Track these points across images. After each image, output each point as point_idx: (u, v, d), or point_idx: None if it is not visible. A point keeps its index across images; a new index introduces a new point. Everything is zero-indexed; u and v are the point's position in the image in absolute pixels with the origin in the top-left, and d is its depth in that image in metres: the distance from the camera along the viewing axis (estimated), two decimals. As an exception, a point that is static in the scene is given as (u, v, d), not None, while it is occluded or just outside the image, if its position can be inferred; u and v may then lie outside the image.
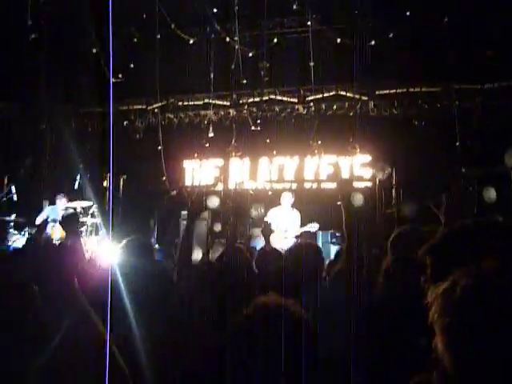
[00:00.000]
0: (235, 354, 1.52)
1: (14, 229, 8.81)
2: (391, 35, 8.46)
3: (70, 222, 3.20)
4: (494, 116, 8.26)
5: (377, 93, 10.30)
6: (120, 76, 8.91)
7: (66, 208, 9.44)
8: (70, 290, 2.36)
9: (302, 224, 8.93)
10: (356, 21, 8.85)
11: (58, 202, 9.34)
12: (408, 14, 8.26)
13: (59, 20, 8.41)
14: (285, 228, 8.81)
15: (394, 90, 10.16)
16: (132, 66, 9.43)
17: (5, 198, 8.92)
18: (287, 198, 9.06)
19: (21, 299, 2.15)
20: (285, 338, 1.45)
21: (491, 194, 8.59)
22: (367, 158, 10.45)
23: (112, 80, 8.92)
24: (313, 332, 1.55)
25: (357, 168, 10.53)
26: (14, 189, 8.95)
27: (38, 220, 9.20)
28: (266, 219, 9.05)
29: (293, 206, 9.11)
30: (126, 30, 9.31)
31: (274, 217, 9.00)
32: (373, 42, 8.49)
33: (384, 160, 10.02)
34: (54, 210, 9.35)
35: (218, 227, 10.93)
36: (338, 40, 8.32)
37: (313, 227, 8.86)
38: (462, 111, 9.37)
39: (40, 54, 8.92)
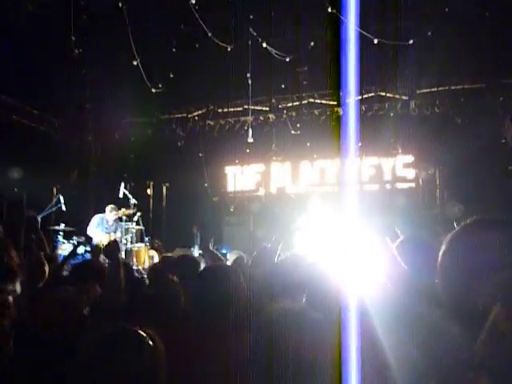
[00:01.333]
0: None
1: (63, 238, 9.07)
2: (430, 33, 8.31)
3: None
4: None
5: (417, 92, 10.15)
6: (160, 86, 9.07)
7: (115, 219, 9.61)
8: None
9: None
10: (393, 20, 8.74)
11: (107, 211, 9.52)
12: (446, 10, 8.10)
13: (101, 34, 8.64)
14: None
15: (435, 89, 9.99)
16: (172, 75, 9.57)
17: (54, 208, 9.20)
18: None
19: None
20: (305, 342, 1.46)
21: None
22: (410, 158, 10.30)
23: (153, 90, 9.10)
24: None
25: (399, 169, 10.40)
26: (62, 199, 9.23)
27: (90, 230, 9.44)
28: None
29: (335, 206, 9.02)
30: (165, 40, 9.46)
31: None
32: (411, 41, 8.35)
33: (427, 160, 9.86)
34: (104, 220, 9.54)
35: (260, 232, 10.97)
36: (376, 41, 8.22)
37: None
38: (506, 107, 9.11)
39: (83, 68, 9.19)
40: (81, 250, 7.12)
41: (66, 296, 2.44)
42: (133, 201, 9.76)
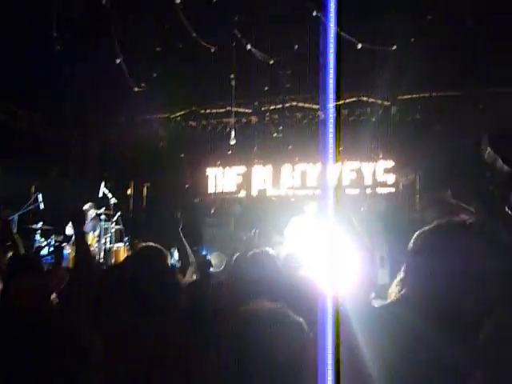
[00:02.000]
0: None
1: (41, 236, 8.97)
2: (412, 39, 8.40)
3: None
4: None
5: (399, 98, 10.23)
6: (142, 85, 9.01)
7: (94, 216, 9.56)
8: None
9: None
10: (377, 25, 8.81)
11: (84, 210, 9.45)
12: (430, 17, 8.19)
13: (84, 31, 8.56)
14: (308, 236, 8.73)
15: (417, 95, 10.08)
16: (154, 75, 9.53)
17: (32, 207, 9.09)
18: (312, 208, 8.94)
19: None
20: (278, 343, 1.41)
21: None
22: (390, 163, 10.38)
23: (135, 89, 9.04)
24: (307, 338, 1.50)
25: (380, 174, 10.47)
26: (40, 197, 9.12)
27: (68, 229, 9.33)
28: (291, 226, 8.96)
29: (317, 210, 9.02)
30: (148, 39, 9.42)
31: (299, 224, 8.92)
32: (394, 47, 8.42)
33: (407, 165, 9.94)
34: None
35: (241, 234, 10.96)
36: (359, 45, 8.27)
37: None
38: (485, 114, 9.23)
39: (65, 66, 9.09)
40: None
41: (33, 282, 2.41)
42: (113, 200, 9.68)
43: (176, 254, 9.67)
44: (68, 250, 8.90)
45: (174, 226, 4.07)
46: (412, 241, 1.65)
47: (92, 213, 9.39)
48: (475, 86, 9.42)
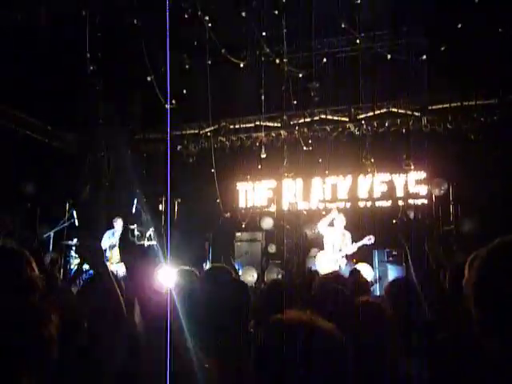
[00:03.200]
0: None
1: (75, 252, 9.10)
2: (442, 49, 8.33)
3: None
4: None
5: (429, 108, 10.14)
6: (173, 102, 9.13)
7: (124, 230, 9.69)
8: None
9: (354, 241, 8.75)
10: (406, 36, 8.78)
11: (115, 225, 9.61)
12: (459, 26, 8.12)
13: (114, 49, 8.74)
14: (340, 248, 8.69)
15: (447, 105, 9.97)
16: (184, 91, 9.64)
17: (67, 224, 9.24)
18: (341, 220, 8.90)
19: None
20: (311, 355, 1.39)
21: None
22: (422, 174, 10.26)
23: (166, 106, 9.16)
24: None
25: (412, 185, 10.35)
26: (75, 214, 9.27)
27: (103, 244, 9.49)
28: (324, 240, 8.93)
29: (345, 227, 8.95)
30: (178, 56, 9.56)
31: (331, 237, 8.87)
32: (424, 57, 8.37)
33: (440, 176, 9.81)
34: (113, 234, 9.61)
35: (272, 248, 10.93)
36: (388, 56, 8.26)
37: (369, 239, 8.68)
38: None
39: (97, 84, 9.28)
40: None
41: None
42: (144, 217, 9.79)
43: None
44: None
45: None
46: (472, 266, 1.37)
47: (120, 227, 9.54)
48: (506, 95, 9.28)
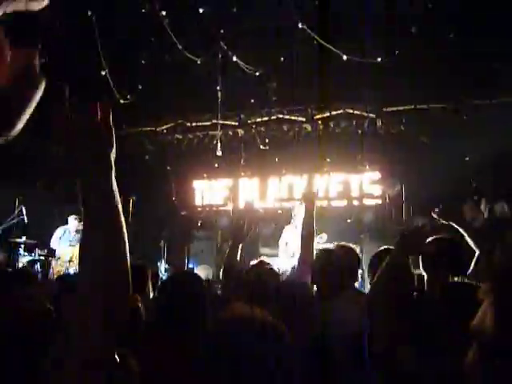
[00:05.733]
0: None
1: (24, 250, 8.85)
2: (397, 52, 8.48)
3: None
4: (509, 130, 8.18)
5: (384, 110, 10.31)
6: (128, 97, 9.00)
7: (78, 230, 9.48)
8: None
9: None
10: (362, 38, 8.89)
11: (69, 222, 9.38)
12: (413, 30, 8.29)
13: (67, 43, 8.54)
14: (292, 246, 8.71)
15: (402, 107, 10.17)
16: (140, 87, 9.52)
17: (16, 220, 8.97)
18: (299, 214, 8.93)
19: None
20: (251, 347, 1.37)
21: (503, 208, 8.49)
22: (377, 174, 10.43)
23: (120, 101, 9.02)
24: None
25: (366, 185, 10.51)
26: (24, 210, 9.01)
27: (53, 243, 9.25)
28: (281, 239, 8.93)
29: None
30: (134, 52, 9.42)
31: (287, 235, 8.90)
32: (379, 59, 8.50)
33: (393, 176, 9.99)
34: (67, 232, 9.37)
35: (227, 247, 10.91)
36: (345, 57, 8.34)
37: (320, 238, 8.73)
38: (471, 126, 9.32)
39: (48, 78, 9.03)
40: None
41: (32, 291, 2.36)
42: None
43: (163, 267, 9.64)
44: (53, 263, 8.81)
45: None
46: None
47: (75, 226, 9.30)
48: (459, 99, 9.53)
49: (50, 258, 9.09)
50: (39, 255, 8.98)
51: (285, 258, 8.63)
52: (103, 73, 8.18)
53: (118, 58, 8.76)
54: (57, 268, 8.70)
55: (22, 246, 8.84)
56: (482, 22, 7.95)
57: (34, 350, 1.64)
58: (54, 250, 9.12)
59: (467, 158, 9.02)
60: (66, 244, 9.17)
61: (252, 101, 10.22)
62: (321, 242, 8.56)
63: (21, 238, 8.89)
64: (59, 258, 8.98)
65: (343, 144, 10.56)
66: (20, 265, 8.43)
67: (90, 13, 7.33)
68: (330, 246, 3.96)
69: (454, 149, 9.09)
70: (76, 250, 9.18)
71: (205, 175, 11.43)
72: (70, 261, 9.01)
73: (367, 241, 9.28)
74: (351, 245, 4.01)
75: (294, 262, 8.27)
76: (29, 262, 8.70)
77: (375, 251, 3.81)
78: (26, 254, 8.79)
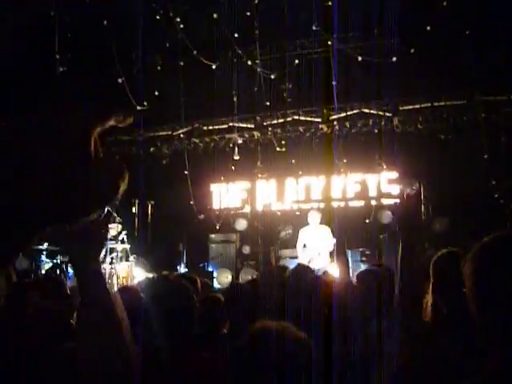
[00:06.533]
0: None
1: (46, 257, 8.95)
2: (412, 50, 8.45)
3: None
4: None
5: (401, 109, 10.26)
6: (145, 103, 9.08)
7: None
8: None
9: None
10: (376, 38, 8.88)
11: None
12: (428, 28, 8.25)
13: (85, 51, 8.64)
14: (316, 246, 8.73)
15: (418, 106, 10.11)
16: (156, 93, 9.59)
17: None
18: (314, 216, 8.99)
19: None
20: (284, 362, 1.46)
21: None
22: (394, 174, 10.37)
23: (138, 108, 9.10)
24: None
25: (384, 185, 10.46)
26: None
27: None
28: (298, 241, 8.96)
29: (321, 223, 9.01)
30: (150, 57, 9.50)
31: (305, 236, 8.93)
32: (394, 59, 8.48)
33: (411, 176, 9.94)
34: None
35: (246, 250, 10.93)
36: (359, 58, 8.34)
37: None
38: (488, 123, 9.25)
39: (67, 85, 9.16)
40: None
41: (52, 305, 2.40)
42: (117, 219, 9.68)
43: (183, 271, 9.68)
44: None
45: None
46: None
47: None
48: (476, 96, 9.45)
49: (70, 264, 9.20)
50: (61, 262, 9.09)
51: (304, 260, 8.64)
52: (120, 80, 8.25)
53: (134, 64, 8.84)
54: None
55: (44, 252, 8.94)
56: (497, 18, 7.89)
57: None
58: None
59: (486, 156, 8.94)
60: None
61: (267, 103, 10.24)
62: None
63: (42, 244, 9.00)
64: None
65: (360, 144, 10.53)
66: (42, 271, 8.53)
67: (105, 22, 7.40)
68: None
69: (472, 147, 9.03)
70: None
71: (222, 178, 11.46)
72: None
73: (386, 241, 9.25)
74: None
75: (314, 264, 8.35)
76: (50, 268, 8.81)
77: (394, 251, 3.79)
78: (48, 260, 8.89)
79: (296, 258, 9.03)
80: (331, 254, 8.78)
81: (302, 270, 3.47)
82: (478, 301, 1.25)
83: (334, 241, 8.73)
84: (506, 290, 1.20)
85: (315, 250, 8.69)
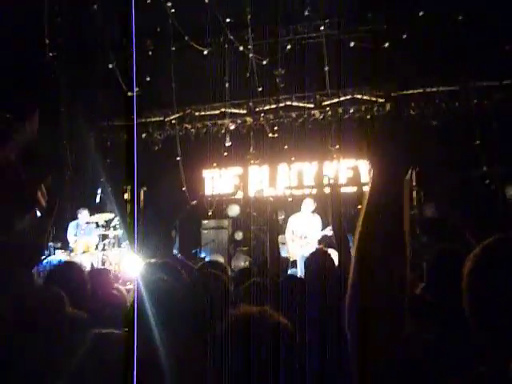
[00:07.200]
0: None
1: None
2: (405, 36, 8.41)
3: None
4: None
5: (393, 94, 10.24)
6: (137, 89, 9.00)
7: (88, 222, 9.59)
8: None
9: (323, 229, 8.85)
10: (369, 24, 8.83)
11: (79, 216, 9.48)
12: (421, 13, 8.21)
13: (76, 36, 8.54)
14: (305, 234, 8.76)
15: (411, 91, 10.10)
16: (148, 78, 9.51)
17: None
18: (308, 204, 8.99)
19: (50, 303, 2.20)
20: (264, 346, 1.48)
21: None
22: (386, 160, 10.37)
23: (129, 93, 9.02)
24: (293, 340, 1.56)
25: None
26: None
27: (70, 238, 9.38)
28: (287, 228, 8.97)
29: (314, 211, 9.02)
30: (141, 43, 9.40)
31: (295, 223, 8.95)
32: (387, 44, 8.44)
33: (404, 161, 9.94)
34: (77, 225, 9.48)
35: (239, 235, 10.95)
36: (352, 44, 8.30)
37: (329, 231, 8.77)
38: (480, 109, 9.26)
39: (57, 71, 9.07)
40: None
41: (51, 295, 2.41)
42: (115, 221, 9.70)
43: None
44: (65, 256, 8.90)
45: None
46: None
47: (85, 218, 9.44)
48: (468, 81, 9.45)
49: (62, 251, 9.20)
50: (54, 248, 9.09)
51: (292, 246, 8.68)
52: (110, 65, 8.17)
53: (124, 49, 8.75)
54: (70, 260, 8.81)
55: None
56: (490, 4, 7.86)
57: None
58: (68, 243, 9.24)
59: (478, 142, 8.96)
60: (77, 237, 9.30)
61: (260, 89, 10.18)
62: (329, 234, 8.60)
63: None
64: (72, 251, 9.09)
65: (352, 130, 10.52)
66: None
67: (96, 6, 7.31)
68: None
69: (464, 133, 9.04)
70: (89, 242, 9.29)
71: (214, 164, 11.44)
72: (83, 252, 9.12)
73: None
74: None
75: (303, 250, 8.37)
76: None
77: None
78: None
79: (283, 243, 9.06)
80: (330, 239, 8.81)
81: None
82: (471, 301, 1.27)
83: (330, 228, 8.71)
84: (501, 293, 1.21)
85: (303, 238, 8.70)
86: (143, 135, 11.64)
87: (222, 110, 11.10)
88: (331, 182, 9.74)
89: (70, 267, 3.37)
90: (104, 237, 9.54)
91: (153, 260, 3.49)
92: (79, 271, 3.28)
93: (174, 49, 9.34)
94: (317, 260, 3.47)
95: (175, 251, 10.47)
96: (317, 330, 2.48)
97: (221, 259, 9.99)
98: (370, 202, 1.25)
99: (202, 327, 2.38)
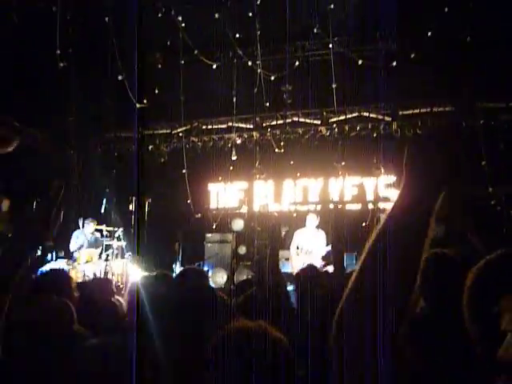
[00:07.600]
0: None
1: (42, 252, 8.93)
2: (413, 55, 8.45)
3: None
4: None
5: (400, 113, 10.27)
6: (145, 101, 9.06)
7: (94, 232, 9.62)
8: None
9: (328, 244, 8.83)
10: (377, 42, 8.88)
11: (86, 226, 9.50)
12: (429, 34, 8.25)
13: (85, 48, 8.63)
14: (310, 250, 8.73)
15: (418, 110, 10.12)
16: (156, 91, 9.58)
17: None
18: (312, 220, 8.99)
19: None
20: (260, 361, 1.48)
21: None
22: (392, 178, 10.38)
23: (137, 105, 9.07)
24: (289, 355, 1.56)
25: (382, 189, 10.46)
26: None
27: (72, 246, 9.39)
28: (292, 243, 8.96)
29: (318, 227, 9.01)
30: (150, 55, 9.49)
31: (300, 238, 8.93)
32: (394, 63, 8.48)
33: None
34: (82, 235, 9.50)
35: (242, 250, 10.92)
36: (360, 62, 8.34)
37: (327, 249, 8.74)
38: (487, 130, 9.25)
39: (66, 82, 9.14)
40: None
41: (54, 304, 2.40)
42: (119, 232, 9.71)
43: (178, 269, 9.67)
44: (68, 266, 8.91)
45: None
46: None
47: (90, 229, 9.47)
48: (475, 102, 9.46)
49: (66, 260, 9.21)
50: (57, 257, 9.10)
51: (296, 261, 8.65)
52: (120, 77, 8.24)
53: (134, 62, 8.82)
54: (74, 270, 8.81)
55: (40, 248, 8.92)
56: (497, 24, 7.90)
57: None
58: (72, 253, 9.24)
59: (484, 162, 8.94)
60: (82, 246, 9.31)
61: (267, 104, 10.23)
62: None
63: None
64: (76, 261, 9.09)
65: (358, 147, 10.53)
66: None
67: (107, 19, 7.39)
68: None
69: (471, 153, 9.01)
70: (92, 252, 9.30)
71: (220, 178, 11.46)
72: (86, 261, 9.13)
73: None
74: None
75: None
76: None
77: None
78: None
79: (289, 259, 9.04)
80: (327, 256, 8.77)
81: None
82: (471, 314, 1.27)
83: (329, 247, 8.70)
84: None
85: (308, 253, 8.69)
86: (150, 147, 11.70)
87: (229, 124, 11.15)
88: (335, 200, 9.81)
89: (56, 275, 3.37)
90: (107, 247, 9.54)
91: (153, 272, 3.49)
92: (66, 279, 3.28)
93: (182, 62, 9.41)
94: (305, 276, 3.47)
95: (178, 264, 10.44)
96: (307, 344, 2.46)
97: (224, 273, 9.98)
98: (392, 217, 1.22)
99: (198, 340, 2.37)
